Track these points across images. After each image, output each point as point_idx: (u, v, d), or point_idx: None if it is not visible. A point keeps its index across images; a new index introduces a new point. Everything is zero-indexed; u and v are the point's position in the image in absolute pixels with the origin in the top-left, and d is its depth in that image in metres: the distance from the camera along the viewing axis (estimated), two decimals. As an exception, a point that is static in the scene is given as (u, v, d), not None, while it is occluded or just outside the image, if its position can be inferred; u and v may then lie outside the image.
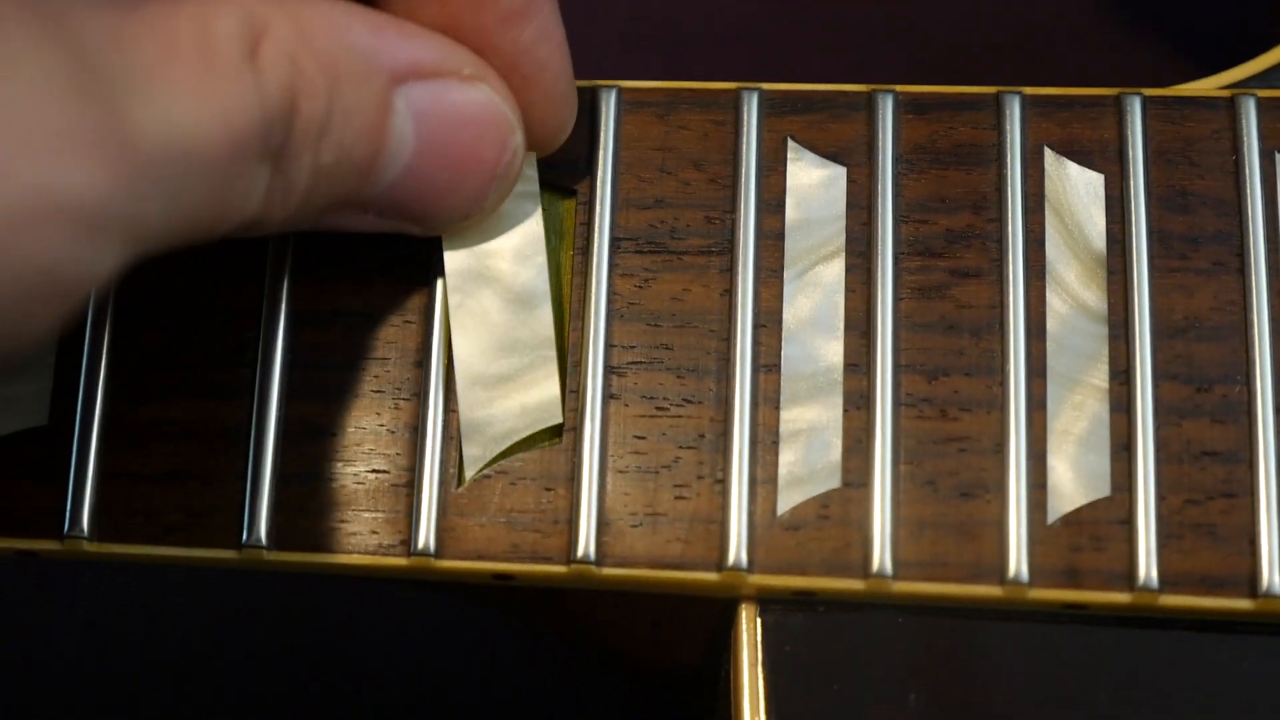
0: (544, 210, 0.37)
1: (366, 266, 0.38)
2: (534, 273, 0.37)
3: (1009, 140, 0.38)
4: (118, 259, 0.29)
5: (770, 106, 0.38)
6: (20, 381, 0.37)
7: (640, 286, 0.37)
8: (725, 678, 0.36)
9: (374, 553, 0.36)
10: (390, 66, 0.33)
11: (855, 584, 0.35)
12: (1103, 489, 0.35)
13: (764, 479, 0.36)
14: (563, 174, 0.38)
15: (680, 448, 0.36)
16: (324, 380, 0.37)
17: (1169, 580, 0.35)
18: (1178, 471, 0.35)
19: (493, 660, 0.58)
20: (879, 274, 0.37)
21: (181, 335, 0.38)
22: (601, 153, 0.38)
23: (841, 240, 0.37)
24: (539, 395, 0.36)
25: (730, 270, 0.37)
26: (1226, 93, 0.38)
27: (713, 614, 0.37)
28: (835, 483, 0.36)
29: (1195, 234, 0.37)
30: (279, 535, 0.36)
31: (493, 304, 0.37)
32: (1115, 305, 0.37)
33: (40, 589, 0.58)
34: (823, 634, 0.36)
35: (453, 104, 0.34)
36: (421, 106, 0.34)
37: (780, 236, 0.37)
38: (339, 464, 0.37)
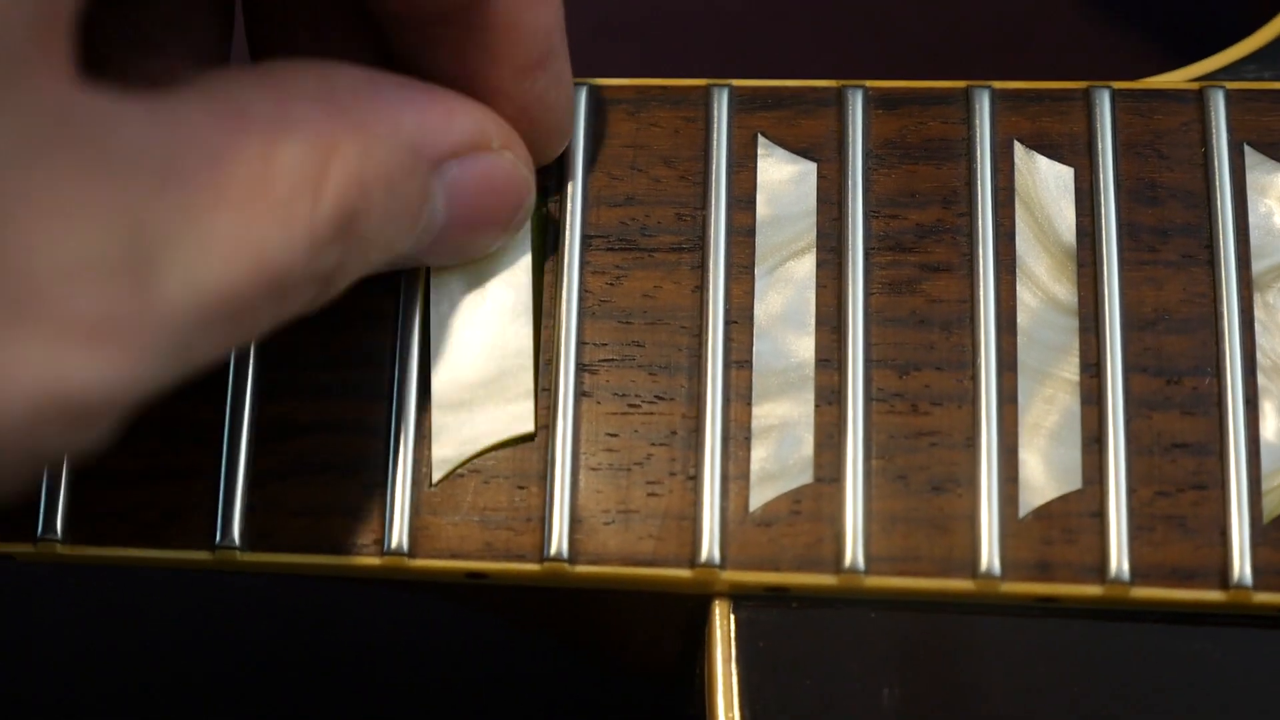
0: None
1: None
2: (518, 282, 0.37)
3: (978, 134, 0.38)
4: (117, 427, 0.28)
5: (740, 103, 0.38)
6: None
7: (611, 284, 0.37)
8: (699, 674, 0.36)
9: (347, 552, 0.36)
10: (432, 155, 0.33)
11: (828, 579, 0.35)
12: (1074, 482, 0.35)
13: (736, 475, 0.36)
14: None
15: (652, 445, 0.36)
16: (297, 380, 0.37)
17: (1140, 572, 0.35)
18: (1148, 464, 0.36)
19: (469, 657, 0.58)
20: (850, 269, 0.37)
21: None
22: (572, 150, 0.38)
23: (812, 236, 0.37)
24: (512, 404, 0.36)
25: (701, 267, 0.37)
26: (1195, 85, 0.38)
27: (687, 610, 0.37)
28: (807, 478, 0.36)
29: (1165, 226, 0.37)
30: (252, 536, 0.36)
31: (474, 309, 0.37)
32: (1085, 298, 0.37)
33: (20, 587, 0.58)
34: (796, 629, 0.36)
35: (481, 176, 0.34)
36: (453, 184, 0.34)
37: (751, 233, 0.37)
38: (312, 464, 0.37)
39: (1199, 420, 0.36)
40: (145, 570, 0.37)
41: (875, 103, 0.38)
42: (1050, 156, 0.38)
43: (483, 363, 0.37)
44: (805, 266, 0.37)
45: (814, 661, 0.36)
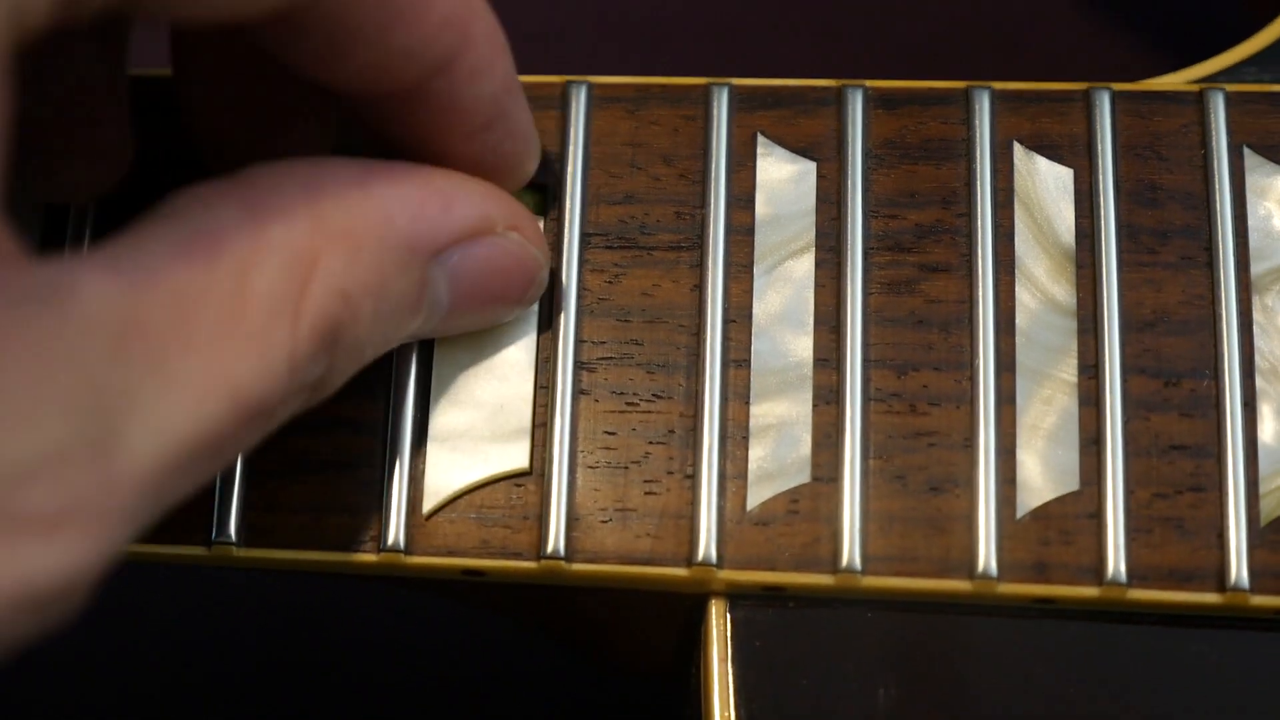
0: None
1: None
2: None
3: (978, 135, 0.38)
4: (89, 593, 0.27)
5: (740, 101, 0.38)
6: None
7: (610, 282, 0.37)
8: (695, 673, 0.36)
9: (344, 549, 0.36)
10: (429, 247, 0.33)
11: (825, 579, 0.35)
12: (1071, 483, 0.35)
13: (734, 474, 0.36)
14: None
15: (650, 443, 0.36)
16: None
17: (1137, 574, 0.35)
18: (1146, 465, 0.36)
19: (465, 655, 0.58)
20: (848, 269, 0.37)
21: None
22: (571, 148, 0.38)
23: (811, 235, 0.37)
24: (508, 442, 0.36)
25: (700, 265, 0.37)
26: (1195, 87, 0.38)
27: (684, 609, 0.37)
28: (805, 478, 0.36)
29: (1164, 228, 0.37)
30: (249, 533, 0.36)
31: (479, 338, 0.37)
32: (1084, 300, 0.37)
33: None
34: (792, 629, 0.36)
35: (486, 260, 0.34)
36: (456, 271, 0.34)
37: (750, 232, 0.37)
38: (310, 462, 0.36)
39: (1197, 422, 0.36)
40: (142, 568, 0.37)
41: (875, 102, 0.38)
42: (1050, 157, 0.38)
43: (482, 389, 0.37)
44: (804, 266, 0.37)
45: (810, 661, 0.36)
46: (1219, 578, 0.35)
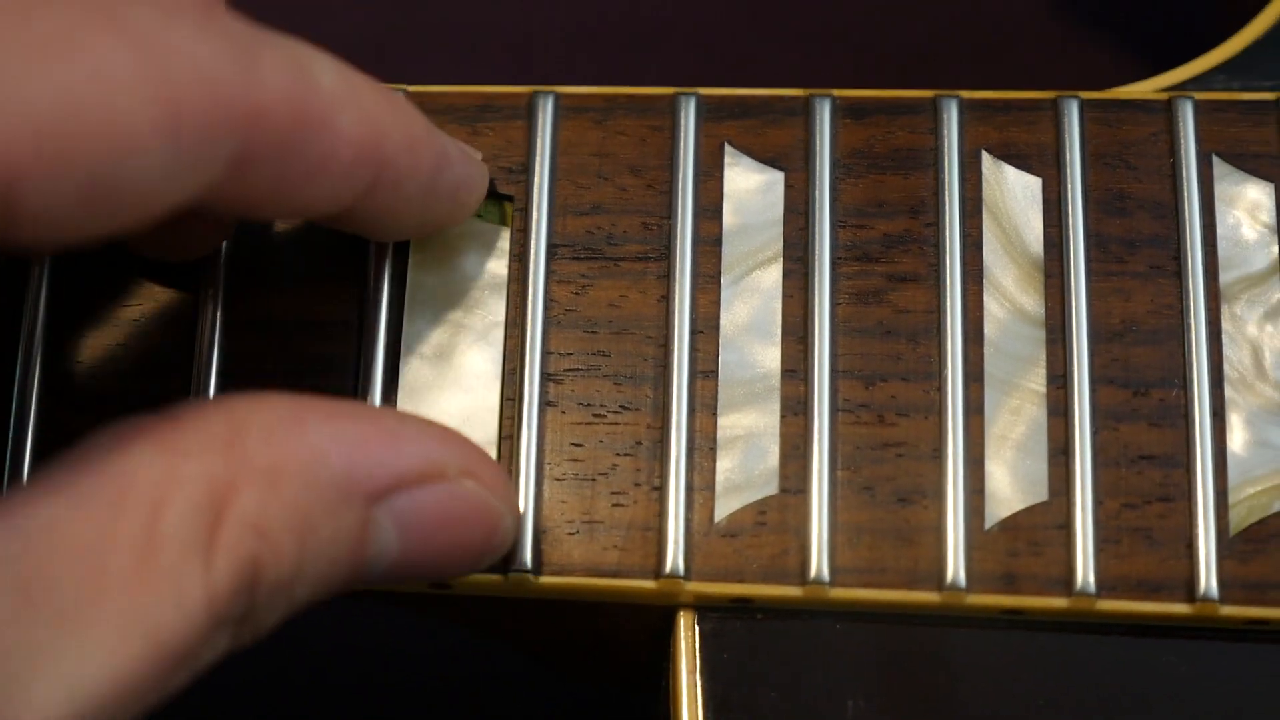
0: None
1: (302, 274, 0.37)
2: (493, 338, 0.37)
3: (946, 144, 0.38)
4: None
5: (708, 111, 0.38)
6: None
7: (577, 293, 0.37)
8: (665, 685, 0.36)
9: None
10: (370, 488, 0.31)
11: (793, 591, 0.35)
12: (1040, 494, 0.35)
13: (701, 486, 0.36)
14: (500, 180, 0.38)
15: (617, 455, 0.36)
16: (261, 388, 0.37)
17: (1106, 585, 0.35)
18: (1115, 476, 0.35)
19: (434, 663, 0.58)
20: (816, 279, 0.37)
21: (118, 345, 0.37)
22: (538, 159, 0.38)
23: (779, 245, 0.37)
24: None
25: (667, 276, 0.37)
26: (1164, 95, 0.38)
27: (653, 620, 0.37)
28: (773, 489, 0.36)
29: (1132, 237, 0.37)
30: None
31: (447, 359, 0.37)
32: (1052, 309, 0.37)
33: None
34: (761, 641, 0.36)
35: (437, 508, 0.33)
36: (403, 516, 0.32)
37: (718, 242, 0.37)
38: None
39: (1166, 432, 0.36)
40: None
41: (843, 112, 0.38)
42: (1018, 166, 0.38)
43: (448, 401, 0.37)
44: (772, 276, 0.37)
45: (779, 673, 0.36)
46: (1188, 588, 0.35)
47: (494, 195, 0.38)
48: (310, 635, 0.57)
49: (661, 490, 0.36)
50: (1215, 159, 0.37)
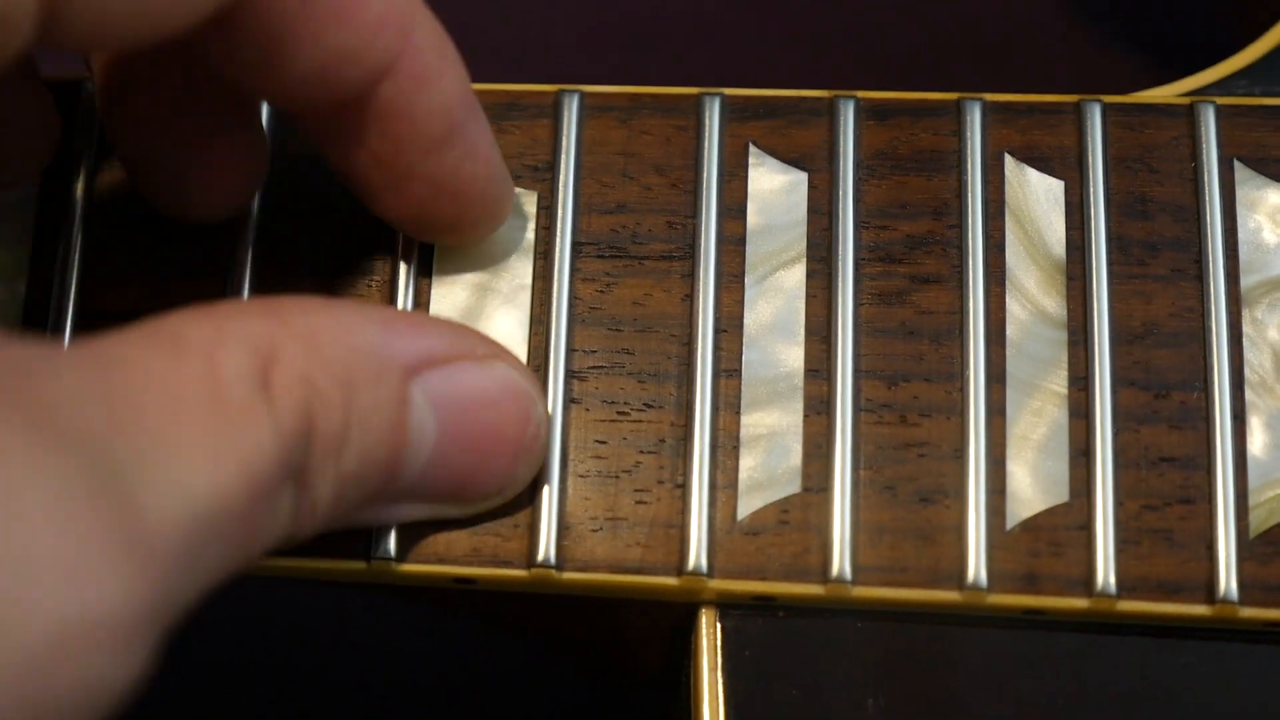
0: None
1: (326, 268, 0.38)
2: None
3: (969, 146, 0.38)
4: (153, 649, 0.27)
5: (732, 112, 0.38)
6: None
7: (602, 291, 0.37)
8: (685, 682, 0.36)
9: (334, 557, 0.36)
10: (403, 361, 0.32)
11: (815, 589, 0.35)
12: (1061, 495, 0.36)
13: (724, 484, 0.36)
14: (525, 178, 0.38)
15: (641, 452, 0.36)
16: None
17: (1127, 586, 0.35)
18: (1136, 477, 0.36)
19: (454, 660, 0.58)
20: (839, 279, 0.37)
21: (149, 314, 0.37)
22: (564, 157, 0.38)
23: (802, 246, 0.37)
24: None
25: (691, 275, 0.37)
26: (1186, 100, 0.38)
27: (674, 617, 0.37)
28: (795, 488, 0.36)
29: (1154, 240, 0.37)
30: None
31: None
32: (1074, 311, 0.37)
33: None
34: (782, 639, 0.36)
35: (471, 386, 0.34)
36: (440, 394, 0.33)
37: (741, 242, 0.38)
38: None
39: (1186, 434, 0.36)
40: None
41: (867, 113, 0.38)
42: (1041, 169, 0.38)
43: None
44: (795, 276, 0.37)
45: (800, 671, 0.36)
46: (1208, 590, 0.35)
47: (519, 194, 0.38)
48: (312, 633, 0.58)
49: (684, 488, 0.36)
50: (1237, 163, 0.38)
